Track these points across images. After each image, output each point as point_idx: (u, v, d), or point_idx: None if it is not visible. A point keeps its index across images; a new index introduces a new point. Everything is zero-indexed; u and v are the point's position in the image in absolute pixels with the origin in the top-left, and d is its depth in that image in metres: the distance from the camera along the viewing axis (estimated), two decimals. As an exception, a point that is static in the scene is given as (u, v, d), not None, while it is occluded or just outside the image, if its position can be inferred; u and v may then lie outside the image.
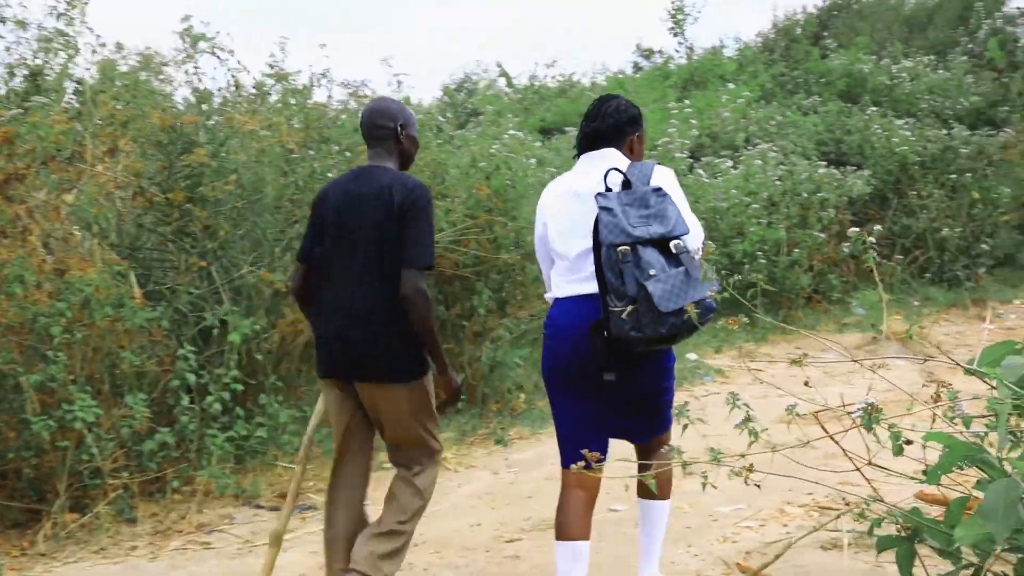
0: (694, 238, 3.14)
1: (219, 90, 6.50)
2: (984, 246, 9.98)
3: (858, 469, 3.05)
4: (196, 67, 6.28)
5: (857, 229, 2.69)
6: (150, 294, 5.48)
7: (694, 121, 11.37)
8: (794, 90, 15.04)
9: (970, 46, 17.98)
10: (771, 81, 15.43)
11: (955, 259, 10.12)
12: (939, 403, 2.88)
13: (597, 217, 3.04)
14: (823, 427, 2.84)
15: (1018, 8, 15.92)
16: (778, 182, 9.69)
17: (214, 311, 5.41)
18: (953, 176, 10.46)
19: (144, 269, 5.67)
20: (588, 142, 3.40)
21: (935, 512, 3.97)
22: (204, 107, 6.25)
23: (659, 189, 3.14)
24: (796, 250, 9.27)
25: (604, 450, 3.14)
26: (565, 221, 3.29)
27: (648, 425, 3.32)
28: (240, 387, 5.33)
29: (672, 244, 3.03)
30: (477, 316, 6.64)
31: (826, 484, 3.43)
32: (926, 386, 2.89)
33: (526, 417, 6.69)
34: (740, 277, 2.69)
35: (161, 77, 6.91)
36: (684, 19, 16.78)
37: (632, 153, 3.41)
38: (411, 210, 3.34)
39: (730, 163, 10.25)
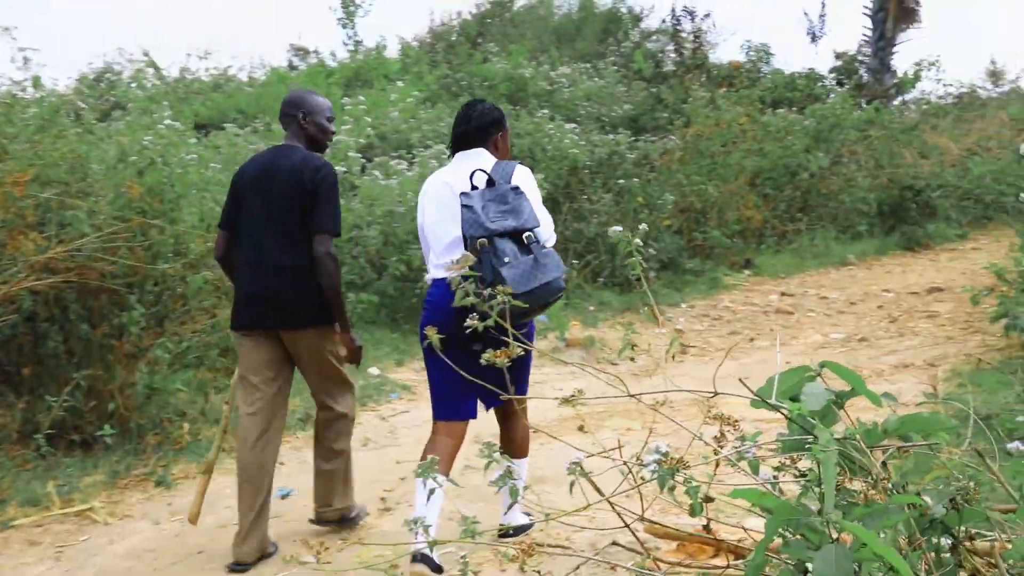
0: (545, 228, 3.70)
1: None
2: (651, 250, 10.15)
3: (627, 526, 2.61)
4: None
5: (619, 228, 2.81)
6: None
7: (368, 119, 10.78)
8: (458, 92, 14.94)
9: (611, 59, 18.84)
10: (435, 83, 15.24)
11: (625, 264, 10.21)
12: (726, 443, 2.48)
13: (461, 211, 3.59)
14: (595, 486, 2.36)
15: (663, 20, 16.70)
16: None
17: None
18: (621, 181, 10.59)
19: None
20: (459, 143, 3.94)
21: (664, 547, 3.64)
22: None
23: (517, 188, 3.67)
24: (476, 255, 8.93)
25: (473, 410, 3.88)
26: (438, 212, 3.82)
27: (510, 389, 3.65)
28: None
29: (524, 236, 3.57)
30: (129, 335, 5.63)
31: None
32: (708, 423, 2.51)
33: (192, 451, 5.76)
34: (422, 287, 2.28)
35: None
36: (355, 10, 16.17)
37: (497, 150, 3.93)
38: (321, 184, 3.96)
39: (404, 164, 9.76)
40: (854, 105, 14.76)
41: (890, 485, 2.11)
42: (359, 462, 5.62)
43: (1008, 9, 39.64)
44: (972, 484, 2.18)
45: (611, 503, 2.36)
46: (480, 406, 3.95)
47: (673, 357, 2.48)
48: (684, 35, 16.18)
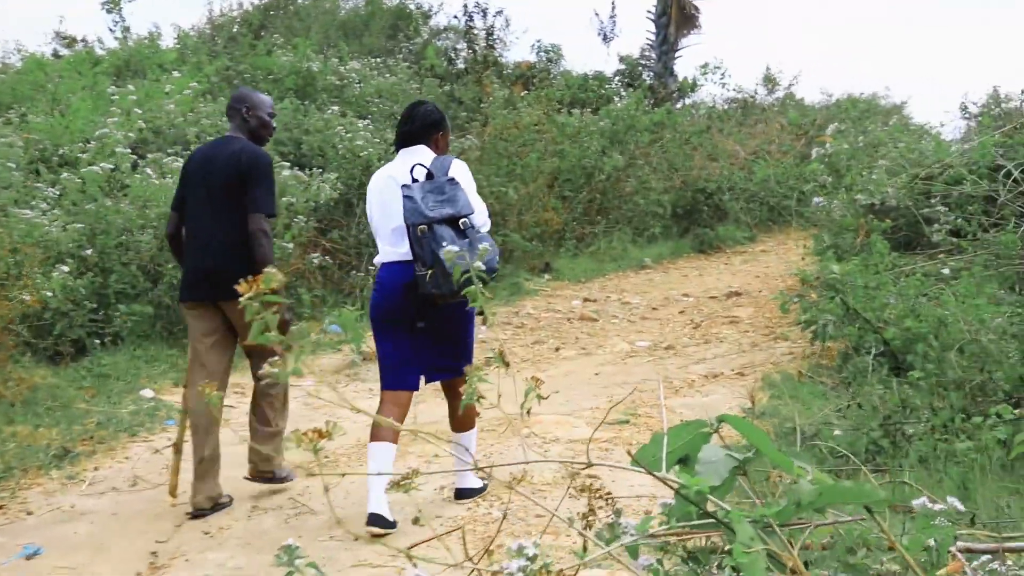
0: (479, 214, 4.20)
1: None
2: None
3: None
4: None
5: (455, 248, 2.80)
6: None
7: (139, 111, 9.77)
8: (241, 85, 14.00)
9: (400, 55, 18.33)
10: (215, 75, 14.25)
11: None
12: (596, 519, 2.01)
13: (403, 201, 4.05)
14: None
15: (455, 17, 16.29)
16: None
17: None
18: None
19: None
20: (403, 141, 4.35)
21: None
22: None
23: (452, 179, 4.12)
24: (263, 262, 8.19)
25: (415, 383, 4.30)
26: (383, 204, 4.25)
27: (452, 363, 4.26)
28: None
29: (460, 222, 4.05)
30: None
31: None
32: (574, 495, 2.03)
33: None
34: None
35: None
36: (122, -6, 14.91)
37: (437, 148, 4.36)
38: (255, 170, 4.46)
39: (181, 162, 8.87)
40: (645, 107, 14.82)
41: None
42: (128, 504, 4.87)
43: (782, 18, 41.74)
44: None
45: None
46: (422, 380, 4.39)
47: (528, 412, 2.02)
48: (476, 32, 15.82)
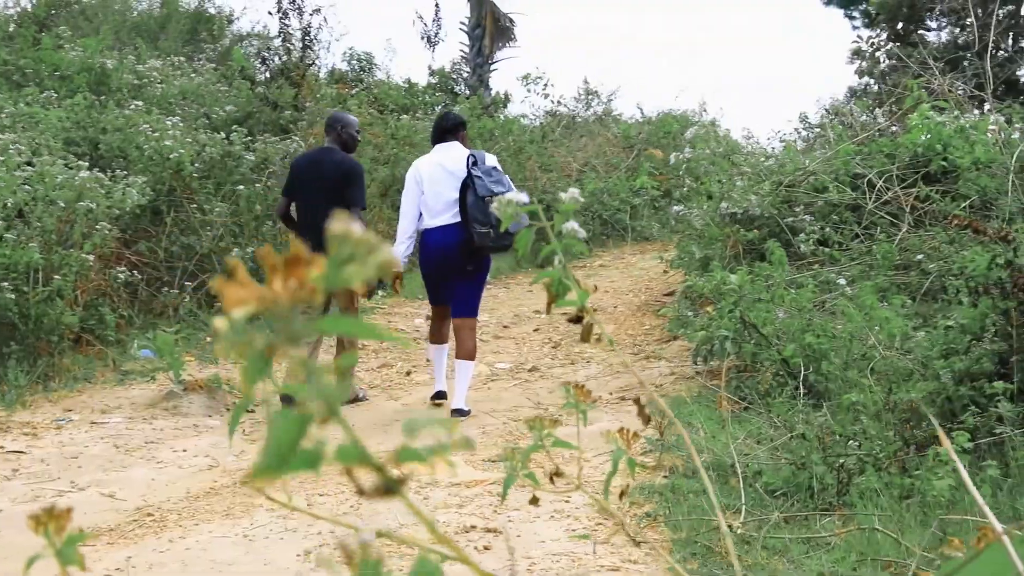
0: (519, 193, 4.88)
1: None
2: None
3: None
4: None
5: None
6: None
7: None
8: (23, 83, 12.42)
9: (205, 55, 17.09)
10: (-7, 69, 12.61)
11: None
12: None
13: (468, 180, 5.81)
14: None
15: (270, 12, 15.12)
16: (27, 187, 7.22)
17: None
18: (239, 187, 8.93)
19: None
20: (439, 138, 6.16)
21: None
22: None
23: (496, 167, 5.98)
24: (56, 277, 6.88)
25: (449, 301, 6.17)
26: (434, 183, 5.95)
27: (468, 303, 6.13)
28: None
29: None
30: None
31: None
32: None
33: None
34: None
35: None
36: None
37: (464, 142, 6.17)
38: (351, 175, 6.20)
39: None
40: (478, 113, 14.15)
41: None
42: None
43: (600, 34, 42.30)
44: None
45: None
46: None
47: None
48: (292, 32, 14.68)
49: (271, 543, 3.98)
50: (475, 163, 5.83)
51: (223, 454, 5.44)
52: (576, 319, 1.20)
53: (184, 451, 5.53)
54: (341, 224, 0.57)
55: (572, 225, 1.20)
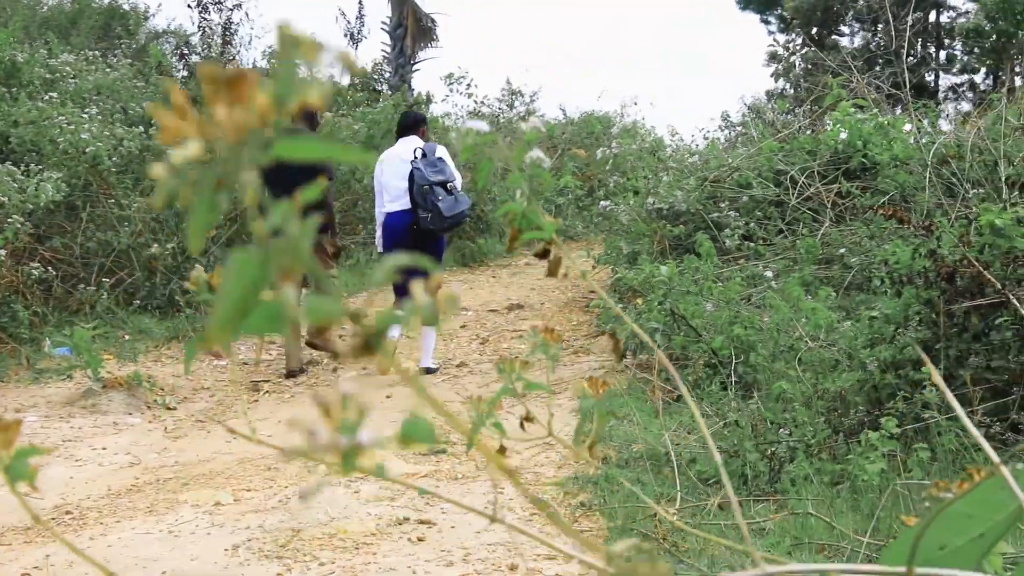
0: (459, 180, 6.79)
1: None
2: (200, 266, 8.35)
3: None
4: None
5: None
6: None
7: None
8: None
9: (119, 51, 16.72)
10: None
11: (168, 281, 8.31)
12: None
13: (412, 171, 6.57)
14: None
15: (189, 5, 14.82)
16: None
17: None
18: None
19: None
20: (401, 133, 7.02)
21: None
22: None
23: (441, 158, 6.67)
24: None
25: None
26: (392, 172, 6.75)
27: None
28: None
29: (448, 185, 6.60)
30: None
31: None
32: None
33: None
34: None
35: None
36: None
37: (423, 136, 6.94)
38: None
39: None
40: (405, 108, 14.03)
41: None
42: None
43: (522, 36, 42.40)
44: None
45: None
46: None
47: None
48: (212, 27, 14.41)
49: (197, 538, 3.86)
50: (423, 155, 6.55)
51: (144, 452, 5.28)
52: (543, 253, 1.14)
53: (104, 449, 5.35)
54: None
55: (537, 153, 1.13)
